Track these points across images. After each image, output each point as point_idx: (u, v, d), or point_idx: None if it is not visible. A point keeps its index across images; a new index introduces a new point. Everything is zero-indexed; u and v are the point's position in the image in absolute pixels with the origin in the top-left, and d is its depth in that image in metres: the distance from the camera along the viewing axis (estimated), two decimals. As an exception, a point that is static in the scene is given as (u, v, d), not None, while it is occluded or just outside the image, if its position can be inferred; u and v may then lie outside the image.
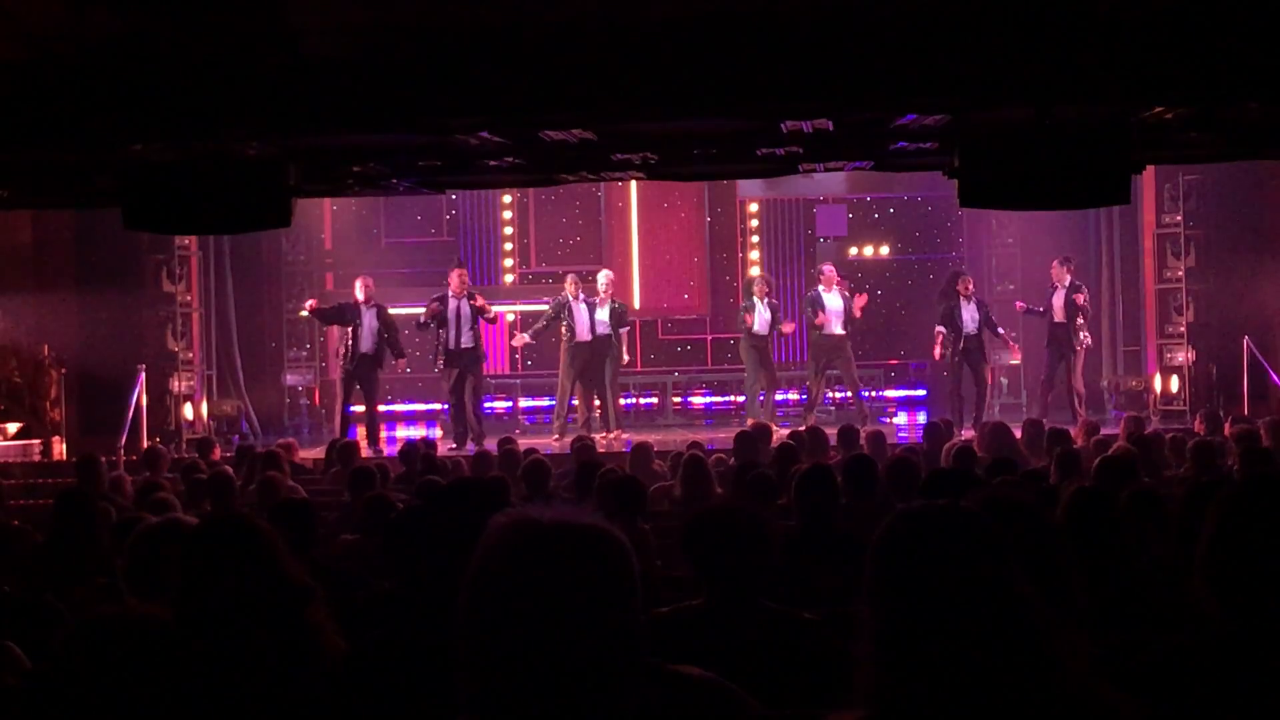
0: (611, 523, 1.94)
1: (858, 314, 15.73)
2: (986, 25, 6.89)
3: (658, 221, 19.63)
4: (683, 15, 6.83)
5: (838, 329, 15.63)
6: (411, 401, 18.42)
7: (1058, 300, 15.44)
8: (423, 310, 14.99)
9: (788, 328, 16.20)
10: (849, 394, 16.46)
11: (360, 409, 14.93)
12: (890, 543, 2.20)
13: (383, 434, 15.30)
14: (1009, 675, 2.08)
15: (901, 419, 17.85)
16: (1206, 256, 16.02)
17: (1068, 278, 15.46)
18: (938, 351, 15.61)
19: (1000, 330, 15.75)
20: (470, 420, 14.84)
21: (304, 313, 14.86)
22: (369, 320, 14.67)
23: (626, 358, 15.68)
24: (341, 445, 11.76)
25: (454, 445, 14.35)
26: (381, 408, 15.44)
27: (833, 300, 15.65)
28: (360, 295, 14.71)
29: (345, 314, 14.79)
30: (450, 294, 14.77)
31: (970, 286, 15.58)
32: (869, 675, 2.13)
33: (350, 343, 14.63)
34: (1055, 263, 15.73)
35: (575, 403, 15.66)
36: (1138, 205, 16.27)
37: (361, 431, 14.78)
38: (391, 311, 15.10)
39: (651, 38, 7.01)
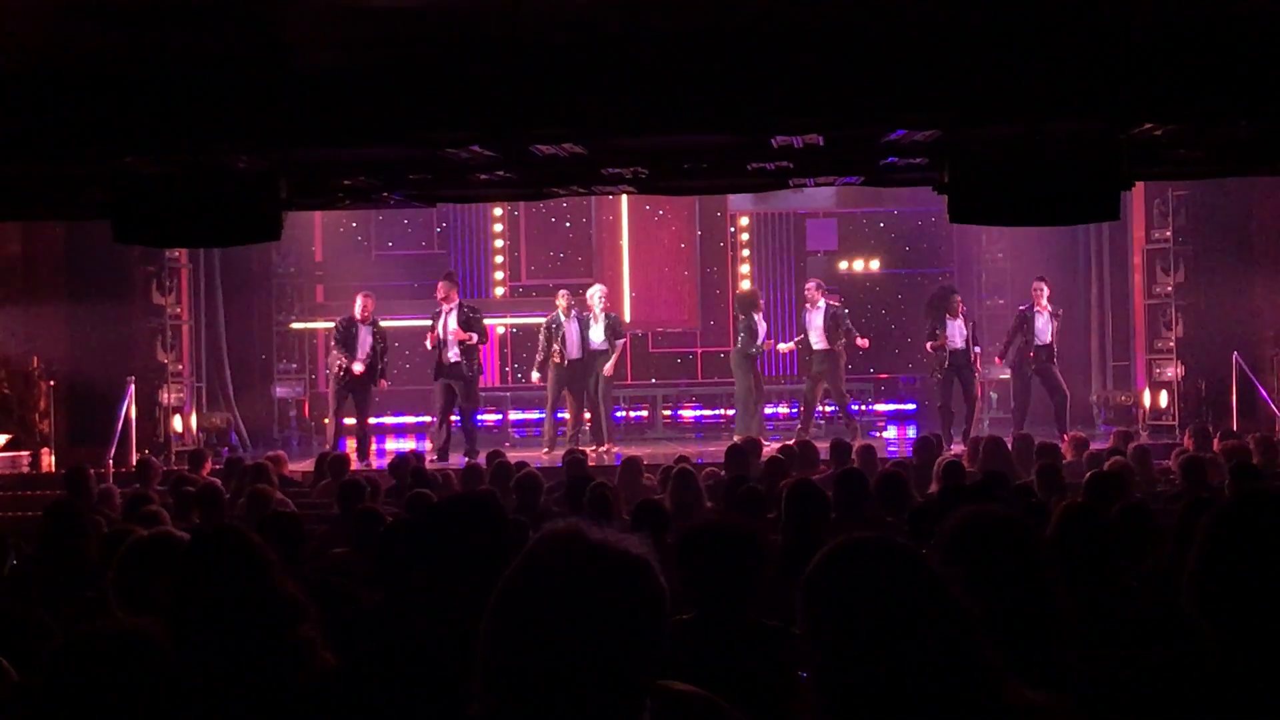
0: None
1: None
2: (977, 41, 6.90)
3: (648, 235, 19.63)
4: (674, 30, 6.83)
5: (818, 344, 15.74)
6: (401, 414, 18.39)
7: (1043, 323, 15.47)
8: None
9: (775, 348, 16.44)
10: (836, 408, 16.53)
11: (351, 422, 14.90)
12: (822, 576, 2.24)
13: (373, 448, 15.26)
14: (944, 692, 2.14)
15: (891, 433, 17.89)
16: (1196, 272, 16.03)
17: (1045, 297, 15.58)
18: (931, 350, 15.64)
19: (977, 348, 15.78)
20: (466, 432, 14.81)
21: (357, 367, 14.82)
22: (364, 337, 14.68)
23: (610, 371, 15.49)
24: (331, 458, 11.75)
25: (434, 458, 14.15)
26: (371, 420, 15.38)
27: (815, 317, 15.78)
28: (358, 313, 14.73)
29: (347, 335, 14.81)
30: (441, 306, 14.76)
31: (961, 308, 15.64)
32: (808, 691, 2.21)
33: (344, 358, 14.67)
34: (1043, 284, 15.75)
35: (564, 415, 15.62)
36: (1127, 221, 16.29)
37: (351, 444, 14.75)
38: (382, 324, 15.12)
39: (642, 53, 7.01)
